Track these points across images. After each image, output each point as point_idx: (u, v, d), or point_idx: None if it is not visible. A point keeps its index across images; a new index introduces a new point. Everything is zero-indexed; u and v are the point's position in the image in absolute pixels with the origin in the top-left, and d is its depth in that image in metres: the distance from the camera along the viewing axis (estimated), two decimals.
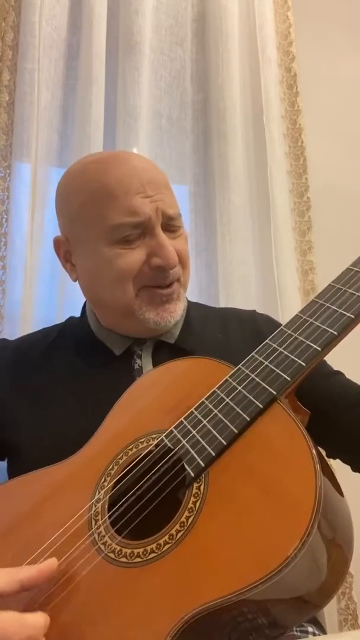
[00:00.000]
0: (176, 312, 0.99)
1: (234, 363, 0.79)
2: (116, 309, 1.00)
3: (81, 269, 1.02)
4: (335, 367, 1.06)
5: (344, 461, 0.97)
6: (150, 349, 1.03)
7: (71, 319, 1.16)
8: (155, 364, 1.00)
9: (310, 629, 0.93)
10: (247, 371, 0.73)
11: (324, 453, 0.99)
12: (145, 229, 0.94)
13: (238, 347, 1.00)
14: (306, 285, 1.85)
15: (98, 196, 0.94)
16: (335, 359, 0.95)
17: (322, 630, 0.96)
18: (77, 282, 1.05)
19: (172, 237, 0.97)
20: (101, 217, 0.94)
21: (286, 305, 1.76)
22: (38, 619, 0.56)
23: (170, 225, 0.97)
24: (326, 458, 0.96)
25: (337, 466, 0.91)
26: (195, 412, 0.72)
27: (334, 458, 0.99)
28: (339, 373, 1.06)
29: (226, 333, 1.09)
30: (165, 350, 1.03)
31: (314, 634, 0.92)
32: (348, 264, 0.80)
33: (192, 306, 1.15)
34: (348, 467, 0.96)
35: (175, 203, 1.00)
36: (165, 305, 0.98)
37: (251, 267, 1.81)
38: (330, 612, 1.65)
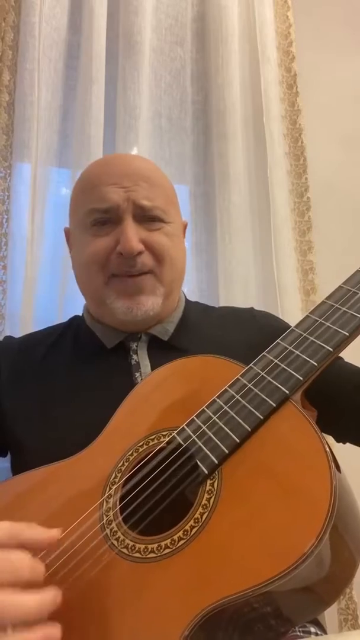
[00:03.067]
0: (146, 305, 0.98)
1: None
2: (92, 297, 1.05)
3: (72, 257, 1.08)
4: None
5: (356, 443, 0.98)
6: (146, 344, 1.03)
7: (75, 317, 1.17)
8: (152, 359, 1.01)
9: (312, 629, 0.93)
10: (258, 370, 0.73)
11: (332, 439, 1.01)
12: (116, 218, 0.98)
13: (235, 345, 1.00)
14: (306, 285, 1.85)
15: (83, 187, 1.03)
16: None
17: (323, 631, 0.97)
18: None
19: (147, 229, 0.99)
20: (82, 205, 1.01)
21: (286, 305, 1.76)
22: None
23: (147, 217, 0.99)
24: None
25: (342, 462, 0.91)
26: (208, 411, 0.72)
27: (344, 442, 1.00)
28: (339, 358, 1.04)
29: (224, 331, 1.09)
30: (161, 347, 1.04)
31: (316, 634, 0.92)
32: (348, 264, 0.81)
33: (190, 305, 1.16)
34: (353, 465, 0.96)
35: (158, 197, 1.01)
36: (135, 296, 0.98)
37: (251, 267, 1.81)
38: (330, 612, 1.65)
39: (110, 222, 0.98)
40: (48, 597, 0.55)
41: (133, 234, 0.96)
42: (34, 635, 0.52)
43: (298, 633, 0.90)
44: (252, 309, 1.20)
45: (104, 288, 1.00)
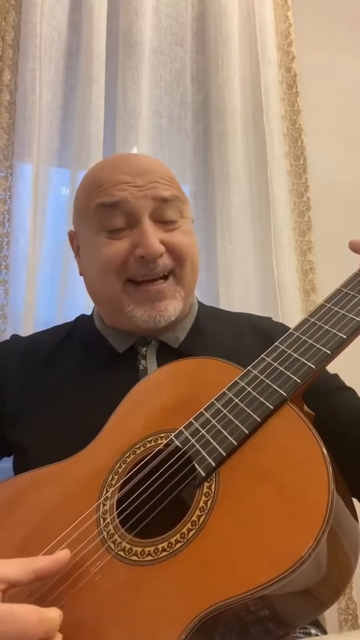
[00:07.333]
0: (168, 310, 0.95)
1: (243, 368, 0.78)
2: (108, 304, 1.00)
3: (82, 261, 1.04)
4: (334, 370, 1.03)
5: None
6: (155, 349, 1.01)
7: (81, 317, 1.15)
8: (160, 365, 0.97)
9: (312, 631, 0.92)
10: (256, 373, 0.73)
11: None
12: (133, 220, 0.94)
13: (248, 354, 0.98)
14: (306, 285, 1.85)
15: (90, 187, 0.98)
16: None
17: (323, 632, 0.96)
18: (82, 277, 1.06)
19: (165, 230, 0.96)
20: (90, 204, 0.96)
21: (286, 305, 1.76)
22: (55, 614, 0.55)
23: (163, 215, 0.96)
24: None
25: None
26: (205, 413, 0.72)
27: None
28: (349, 389, 1.02)
29: (237, 339, 1.06)
30: (170, 352, 1.01)
31: (316, 636, 0.92)
32: (348, 264, 0.81)
33: (203, 310, 1.13)
34: None
35: (173, 187, 0.98)
36: (156, 303, 0.95)
37: (251, 267, 1.81)
38: (330, 612, 1.65)
39: (125, 225, 0.94)
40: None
41: (153, 235, 0.92)
42: None
43: (298, 634, 0.89)
44: (269, 319, 1.18)
45: (121, 295, 0.95)
